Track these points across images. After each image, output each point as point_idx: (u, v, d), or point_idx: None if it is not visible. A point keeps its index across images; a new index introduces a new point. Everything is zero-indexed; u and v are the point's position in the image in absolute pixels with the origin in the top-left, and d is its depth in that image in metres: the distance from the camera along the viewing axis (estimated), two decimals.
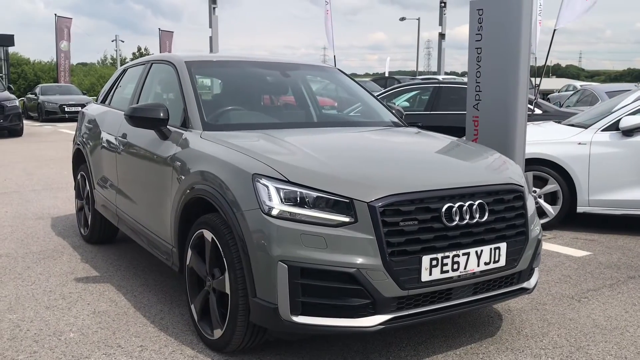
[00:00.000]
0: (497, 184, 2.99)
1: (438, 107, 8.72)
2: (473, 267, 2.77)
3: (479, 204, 2.80)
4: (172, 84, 3.96)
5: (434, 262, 2.66)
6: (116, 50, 43.55)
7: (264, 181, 2.72)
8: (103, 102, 5.35)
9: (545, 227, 5.59)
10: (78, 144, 5.36)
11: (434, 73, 31.25)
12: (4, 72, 31.59)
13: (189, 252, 3.18)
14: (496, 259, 2.85)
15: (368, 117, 4.41)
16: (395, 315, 2.65)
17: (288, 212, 2.64)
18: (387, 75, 34.85)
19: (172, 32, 35.70)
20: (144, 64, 4.69)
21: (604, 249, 5.08)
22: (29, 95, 24.82)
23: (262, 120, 3.98)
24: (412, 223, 2.65)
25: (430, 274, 2.66)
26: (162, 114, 3.53)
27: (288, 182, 2.70)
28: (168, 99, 4.21)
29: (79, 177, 5.39)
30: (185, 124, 3.59)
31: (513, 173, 3.21)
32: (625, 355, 3.05)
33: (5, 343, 3.13)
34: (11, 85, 21.77)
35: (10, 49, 35.49)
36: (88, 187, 5.09)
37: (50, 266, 4.46)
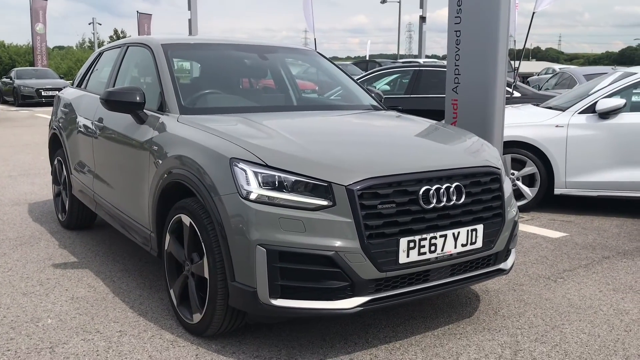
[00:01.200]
0: (474, 166, 3.01)
1: (418, 91, 8.72)
2: (450, 248, 2.80)
3: (456, 186, 2.82)
4: (149, 67, 3.90)
5: (412, 244, 2.68)
6: (93, 33, 42.68)
7: (242, 165, 2.71)
8: (79, 86, 5.26)
9: (523, 209, 5.67)
10: (54, 129, 5.28)
11: (415, 56, 31.25)
12: None
13: (167, 237, 3.17)
14: (473, 240, 2.88)
15: (348, 101, 4.40)
16: (374, 297, 2.67)
17: (266, 196, 2.64)
18: (368, 58, 34.80)
19: (151, 14, 35.14)
20: (120, 47, 4.61)
21: (580, 230, 5.17)
22: (4, 79, 24.28)
23: (241, 103, 3.95)
24: (390, 206, 2.66)
25: (408, 256, 2.68)
26: (138, 98, 3.49)
27: (266, 166, 2.69)
28: (145, 83, 4.15)
29: (55, 162, 5.31)
30: (162, 108, 3.55)
31: (490, 156, 3.23)
32: (599, 333, 3.12)
33: None
34: None
35: None
36: (65, 173, 5.02)
37: (27, 252, 4.41)
